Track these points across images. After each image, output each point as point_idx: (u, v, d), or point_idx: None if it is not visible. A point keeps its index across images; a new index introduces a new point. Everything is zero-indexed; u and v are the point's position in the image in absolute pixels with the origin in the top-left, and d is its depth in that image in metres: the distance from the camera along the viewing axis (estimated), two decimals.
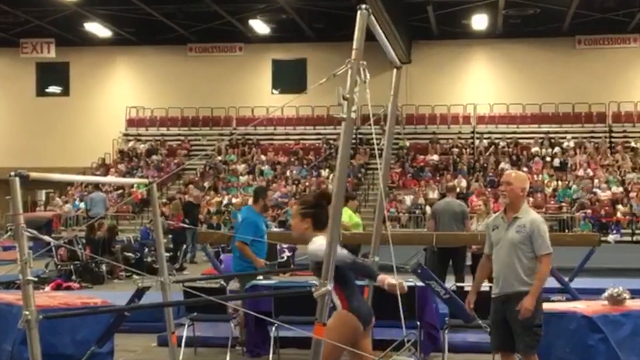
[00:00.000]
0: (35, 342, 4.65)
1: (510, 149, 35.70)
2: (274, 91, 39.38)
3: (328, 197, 5.61)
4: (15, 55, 39.08)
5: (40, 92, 40.73)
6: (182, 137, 38.74)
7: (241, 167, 36.25)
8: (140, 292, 7.53)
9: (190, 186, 30.91)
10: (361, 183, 33.70)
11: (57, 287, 15.54)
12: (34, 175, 5.01)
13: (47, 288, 14.98)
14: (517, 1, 32.68)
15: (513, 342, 6.58)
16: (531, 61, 36.63)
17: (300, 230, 5.91)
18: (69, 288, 15.73)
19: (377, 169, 33.57)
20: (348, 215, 14.06)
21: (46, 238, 5.15)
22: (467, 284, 11.59)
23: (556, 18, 34.73)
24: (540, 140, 35.89)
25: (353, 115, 4.52)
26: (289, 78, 38.70)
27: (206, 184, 34.46)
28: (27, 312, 4.64)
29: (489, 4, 33.07)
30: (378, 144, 6.29)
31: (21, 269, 4.63)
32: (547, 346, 7.19)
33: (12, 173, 4.77)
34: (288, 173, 35.44)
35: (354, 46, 4.58)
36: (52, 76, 40.77)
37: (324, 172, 34.95)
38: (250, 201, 12.34)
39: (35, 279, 4.83)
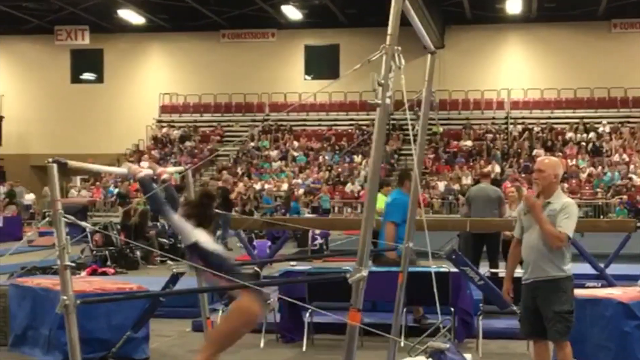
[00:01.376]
0: (73, 327, 4.69)
1: (545, 135, 35.43)
2: (307, 77, 39.36)
3: (210, 196, 6.45)
4: (50, 43, 39.39)
5: (75, 79, 41.03)
6: (215, 124, 38.86)
7: (274, 153, 36.31)
8: (175, 278, 7.57)
9: (224, 172, 31.01)
10: (394, 169, 33.59)
11: (93, 273, 15.67)
12: (71, 163, 5.03)
13: (83, 273, 15.11)
14: None
15: (544, 328, 6.50)
16: (566, 46, 36.29)
17: None
18: (104, 273, 15.86)
19: (409, 154, 33.51)
20: (382, 202, 14.03)
21: (83, 224, 5.18)
22: (501, 270, 11.55)
23: (591, 2, 34.36)
24: (575, 126, 35.59)
25: (388, 101, 4.50)
26: (322, 64, 38.66)
27: (239, 170, 34.57)
28: (64, 297, 4.67)
29: None
30: (412, 130, 6.26)
31: (59, 255, 4.66)
32: (582, 333, 7.14)
33: (50, 159, 4.80)
34: (321, 159, 35.45)
35: (389, 31, 4.55)
36: (87, 63, 41.05)
37: (357, 158, 34.91)
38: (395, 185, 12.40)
39: (73, 265, 4.87)
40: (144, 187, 6.20)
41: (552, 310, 6.39)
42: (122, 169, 6.27)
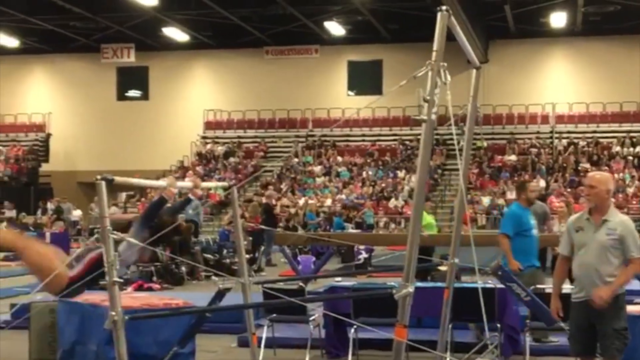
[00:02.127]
0: (121, 342, 4.74)
1: (591, 149, 35.07)
2: (350, 93, 39.41)
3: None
4: (96, 61, 39.90)
5: (121, 96, 41.51)
6: (259, 139, 39.05)
7: (317, 169, 36.37)
8: (221, 294, 7.60)
9: (269, 187, 31.10)
10: (438, 184, 33.49)
11: (139, 288, 15.79)
12: (117, 179, 5.10)
13: (130, 289, 15.23)
14: None
15: (595, 347, 6.41)
16: (611, 59, 35.93)
17: None
18: (150, 289, 15.98)
19: (453, 169, 33.43)
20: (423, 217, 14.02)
21: (132, 240, 5.24)
22: (548, 286, 11.44)
23: (637, 15, 33.98)
24: (621, 140, 35.18)
25: (433, 117, 4.50)
26: (365, 79, 38.69)
27: (283, 186, 34.67)
28: (113, 313, 4.73)
29: (567, 2, 32.57)
30: (457, 145, 6.24)
31: (107, 271, 4.72)
32: (632, 349, 7.04)
33: (98, 177, 4.87)
34: (364, 174, 35.43)
35: (434, 47, 4.56)
36: (132, 80, 41.52)
37: (400, 173, 34.84)
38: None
39: (121, 281, 4.93)
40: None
41: (611, 327, 6.30)
42: (161, 182, 6.31)
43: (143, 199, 34.83)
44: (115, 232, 4.80)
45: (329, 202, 32.65)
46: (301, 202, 32.41)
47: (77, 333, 8.87)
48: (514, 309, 9.22)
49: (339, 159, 37.00)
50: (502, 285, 8.30)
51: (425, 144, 4.58)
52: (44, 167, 40.72)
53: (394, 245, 17.97)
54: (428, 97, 4.49)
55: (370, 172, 35.42)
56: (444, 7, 4.62)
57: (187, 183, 6.62)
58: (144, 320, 7.54)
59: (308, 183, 35.29)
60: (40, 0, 32.33)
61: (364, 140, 38.30)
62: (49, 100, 41.23)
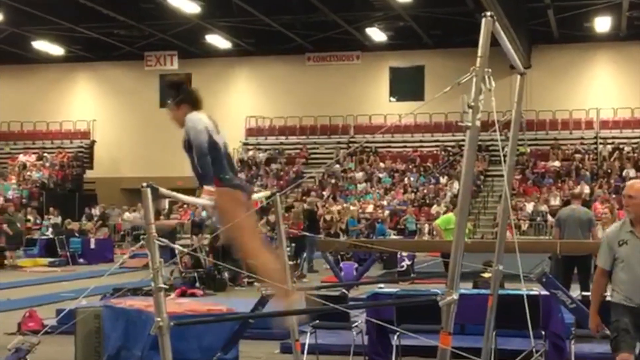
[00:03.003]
0: (167, 348, 4.77)
1: (636, 154, 34.64)
2: (392, 99, 39.34)
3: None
4: (140, 68, 40.27)
5: (164, 103, 41.69)
6: (301, 146, 39.12)
7: (359, 175, 36.34)
8: (264, 300, 7.63)
9: (312, 193, 31.11)
10: (480, 190, 33.28)
11: (182, 294, 15.90)
12: (161, 190, 5.12)
13: (173, 295, 15.34)
14: None
15: None
16: None
17: (181, 119, 6.57)
18: (193, 295, 16.08)
19: (496, 175, 33.20)
20: (446, 220, 14.05)
21: (176, 246, 5.28)
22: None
23: None
24: None
25: (478, 123, 4.48)
26: (407, 85, 38.60)
27: (325, 192, 34.68)
28: (159, 319, 4.76)
29: (612, 6, 32.23)
30: (501, 151, 6.20)
31: (153, 277, 4.76)
32: None
33: (144, 184, 4.91)
34: (406, 180, 35.33)
35: (479, 53, 4.53)
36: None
37: (443, 180, 34.69)
38: None
39: (167, 287, 4.97)
40: None
41: None
42: (204, 201, 6.26)
43: (185, 206, 35.04)
44: (160, 238, 4.83)
45: (370, 208, 32.60)
46: (342, 208, 32.37)
47: (122, 338, 8.97)
48: (559, 316, 9.14)
49: (381, 165, 36.94)
50: (546, 292, 8.25)
51: (470, 150, 4.56)
52: (89, 174, 41.20)
53: (437, 252, 17.89)
54: (472, 104, 4.47)
55: (412, 178, 35.31)
56: (488, 13, 4.60)
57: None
58: (188, 326, 7.59)
59: (349, 189, 35.26)
60: (86, 9, 32.71)
61: (405, 147, 38.20)
62: (94, 108, 41.70)
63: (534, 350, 5.64)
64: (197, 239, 23.18)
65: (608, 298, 6.82)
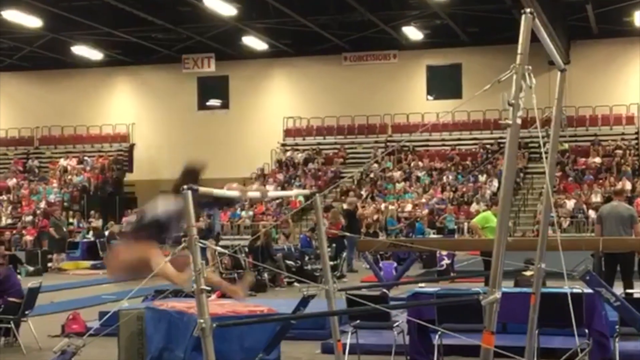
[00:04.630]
0: (210, 349, 4.80)
1: None
2: (429, 97, 39.20)
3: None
4: (177, 71, 40.50)
5: (202, 105, 42.03)
6: (338, 146, 39.11)
7: (397, 174, 36.26)
8: (305, 301, 7.65)
9: (351, 193, 31.08)
10: (520, 187, 33.03)
11: (223, 295, 15.94)
12: (202, 190, 5.17)
13: (214, 296, 15.39)
14: None
15: None
16: None
17: None
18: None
19: (535, 173, 32.96)
20: (483, 218, 13.95)
21: (217, 248, 5.31)
22: (637, 291, 11.21)
23: None
24: None
25: (519, 121, 4.46)
26: (444, 84, 38.45)
27: (363, 192, 34.65)
28: (201, 321, 4.79)
29: None
30: (543, 148, 6.16)
31: (196, 279, 4.80)
32: None
33: (185, 186, 4.95)
34: (444, 179, 35.18)
35: (519, 51, 4.51)
36: (213, 90, 42.01)
37: (481, 177, 34.49)
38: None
39: (209, 289, 5.00)
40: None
41: None
42: (235, 193, 6.36)
43: (225, 207, 35.19)
44: (202, 240, 4.87)
45: (409, 207, 32.51)
46: (382, 208, 32.33)
47: (164, 340, 9.03)
48: (603, 314, 9.05)
49: (419, 164, 36.82)
50: (590, 290, 8.17)
51: (511, 148, 4.54)
52: (128, 177, 41.51)
53: (476, 251, 17.81)
54: (513, 101, 4.44)
55: (450, 177, 35.15)
56: (527, 10, 4.57)
57: (256, 193, 6.71)
58: (230, 327, 7.63)
59: (388, 189, 35.19)
60: (123, 14, 32.98)
61: (443, 145, 38.05)
62: (132, 111, 42.02)
63: (578, 349, 5.58)
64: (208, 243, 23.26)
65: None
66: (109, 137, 42.46)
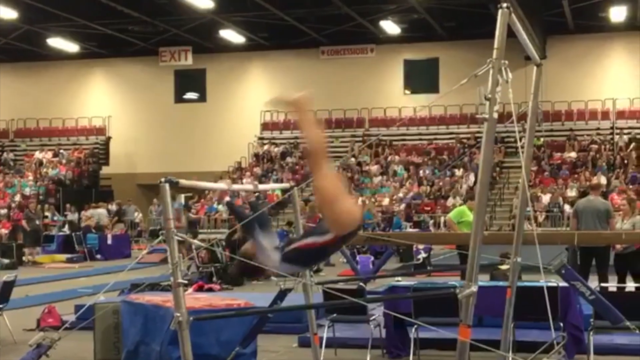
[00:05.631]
0: (186, 343, 4.79)
1: None
2: (406, 91, 39.28)
3: None
4: (154, 64, 40.36)
5: (179, 98, 41.90)
6: None
7: (374, 168, 36.31)
8: (282, 294, 7.65)
9: None
10: (496, 182, 33.18)
11: (200, 289, 15.96)
12: (183, 182, 5.15)
13: (190, 290, 15.39)
14: None
15: None
16: None
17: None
18: (210, 289, 16.13)
19: (512, 167, 33.10)
20: (469, 215, 14.01)
21: (195, 242, 5.29)
22: (611, 285, 11.31)
23: None
24: None
25: (495, 115, 4.47)
26: (421, 78, 38.53)
27: None
28: (178, 315, 4.78)
29: None
30: (517, 143, 6.19)
31: (172, 273, 4.78)
32: None
33: (163, 179, 4.92)
34: (421, 173, 35.27)
35: (495, 45, 4.52)
36: (190, 83, 41.88)
37: (458, 172, 34.61)
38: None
39: (186, 282, 4.99)
40: (234, 212, 6.11)
41: None
42: (221, 185, 6.31)
43: (202, 200, 35.15)
44: (179, 234, 4.85)
45: (386, 201, 32.57)
46: (358, 201, 32.35)
47: (140, 333, 9.00)
48: (578, 308, 9.13)
49: (396, 158, 36.89)
50: (565, 284, 8.23)
51: (488, 143, 4.55)
52: (105, 170, 41.32)
53: (453, 245, 17.89)
54: (489, 96, 4.46)
55: (427, 171, 35.25)
56: (504, 4, 4.58)
57: (246, 186, 6.66)
58: (207, 320, 7.62)
59: (365, 182, 35.24)
60: (100, 6, 32.79)
61: (420, 139, 38.13)
62: (109, 104, 41.81)
63: (554, 342, 5.62)
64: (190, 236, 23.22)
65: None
66: (85, 130, 42.23)
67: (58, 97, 41.66)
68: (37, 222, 28.10)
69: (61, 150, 40.69)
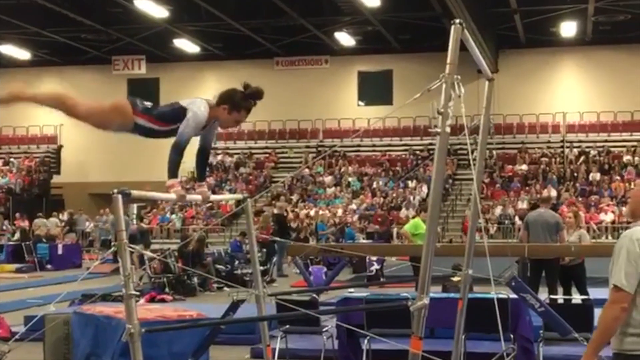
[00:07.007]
0: (138, 354, 4.76)
1: (602, 158, 35.03)
2: (360, 103, 39.46)
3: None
4: (107, 72, 40.07)
5: None
6: (270, 150, 39.11)
7: (328, 179, 36.39)
8: (235, 305, 7.63)
9: (281, 198, 31.10)
10: (449, 193, 33.45)
11: (152, 300, 15.85)
12: (135, 193, 5.12)
13: (142, 300, 15.28)
14: (607, 7, 32.04)
15: None
16: (622, 68, 35.87)
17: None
18: (162, 300, 16.02)
19: (464, 179, 33.41)
20: (422, 227, 14.11)
21: (147, 253, 5.27)
22: (560, 297, 11.45)
23: None
24: (632, 149, 35.11)
25: (448, 129, 4.52)
26: (375, 90, 38.74)
27: (294, 197, 34.69)
28: (130, 326, 4.75)
29: (577, 11, 32.56)
30: (469, 155, 6.27)
31: (124, 284, 4.75)
32: None
33: (115, 190, 4.89)
34: (375, 184, 35.43)
35: (448, 60, 4.57)
36: (143, 92, 41.38)
37: (411, 183, 34.83)
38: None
39: (138, 293, 4.96)
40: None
41: None
42: (172, 195, 6.30)
43: (154, 210, 34.92)
44: (132, 245, 4.82)
45: (340, 212, 32.65)
46: (312, 212, 32.41)
47: (91, 345, 8.91)
48: (528, 320, 9.22)
49: (350, 169, 37.02)
50: (515, 296, 8.32)
51: (440, 156, 4.60)
52: (56, 179, 40.87)
53: (406, 256, 18.00)
54: (442, 110, 4.51)
55: (380, 182, 35.41)
56: (457, 21, 4.64)
57: (196, 196, 6.63)
58: (159, 332, 7.57)
59: (319, 193, 35.30)
60: (52, 13, 32.49)
61: (374, 151, 38.32)
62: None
63: (504, 353, 5.68)
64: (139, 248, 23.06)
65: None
66: (36, 138, 41.75)
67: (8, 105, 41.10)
68: None
69: (11, 159, 40.19)
